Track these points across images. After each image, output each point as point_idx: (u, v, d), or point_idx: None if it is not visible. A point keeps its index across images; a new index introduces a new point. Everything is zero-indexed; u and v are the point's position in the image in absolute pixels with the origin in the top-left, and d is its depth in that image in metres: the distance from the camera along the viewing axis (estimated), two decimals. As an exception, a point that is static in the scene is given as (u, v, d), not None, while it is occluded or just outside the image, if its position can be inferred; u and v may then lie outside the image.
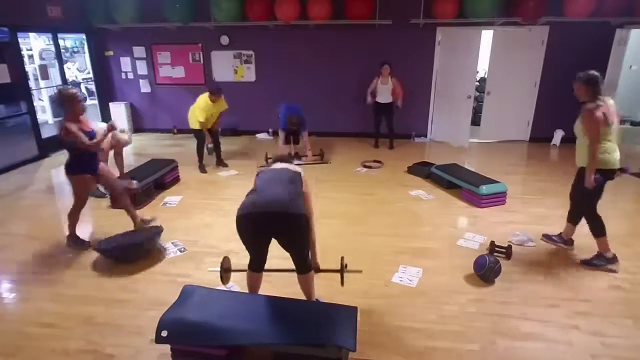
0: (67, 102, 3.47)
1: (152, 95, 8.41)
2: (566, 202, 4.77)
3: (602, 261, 3.37)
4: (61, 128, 3.45)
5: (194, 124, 5.86)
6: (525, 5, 6.47)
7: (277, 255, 3.43)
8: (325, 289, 3.01)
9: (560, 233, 3.78)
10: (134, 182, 4.50)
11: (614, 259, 3.36)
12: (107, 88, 8.48)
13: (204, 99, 5.75)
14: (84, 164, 3.64)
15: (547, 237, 3.83)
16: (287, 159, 2.90)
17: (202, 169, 6.06)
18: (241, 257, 3.57)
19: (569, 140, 7.06)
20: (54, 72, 8.15)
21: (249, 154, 7.01)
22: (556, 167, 5.10)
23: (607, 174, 3.24)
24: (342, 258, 2.94)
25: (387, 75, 6.80)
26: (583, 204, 3.45)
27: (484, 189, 4.60)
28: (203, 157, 6.11)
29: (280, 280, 3.11)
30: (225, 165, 6.24)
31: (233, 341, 2.24)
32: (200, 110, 5.70)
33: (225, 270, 2.99)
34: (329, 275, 3.20)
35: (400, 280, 3.24)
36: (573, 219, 3.65)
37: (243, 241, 2.56)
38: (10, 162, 6.27)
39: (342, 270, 2.87)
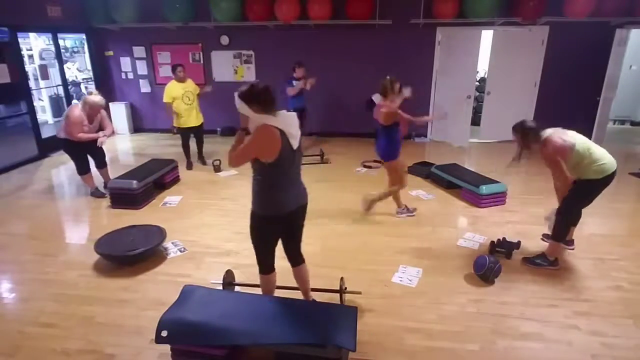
0: (389, 90, 3.98)
1: (152, 95, 8.41)
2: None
3: (544, 261, 3.37)
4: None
5: (177, 122, 5.96)
6: (525, 5, 6.47)
7: (280, 254, 3.43)
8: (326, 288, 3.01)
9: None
10: None
11: (555, 262, 3.37)
12: (107, 88, 8.47)
13: (169, 84, 5.83)
14: (397, 148, 4.13)
15: (547, 237, 3.82)
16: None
17: (190, 166, 6.12)
18: (240, 257, 3.59)
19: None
20: (54, 72, 8.16)
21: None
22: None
23: (606, 179, 3.14)
24: (342, 279, 2.94)
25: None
26: (572, 201, 3.31)
27: (484, 189, 4.60)
28: (189, 154, 6.18)
29: (280, 280, 3.11)
30: (204, 164, 6.28)
31: (233, 341, 2.23)
32: (165, 94, 5.76)
33: (229, 284, 2.99)
34: (328, 275, 3.20)
35: (400, 280, 3.24)
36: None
37: (266, 241, 2.51)
38: (10, 162, 6.27)
39: (341, 291, 2.87)
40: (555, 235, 3.36)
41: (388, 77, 4.04)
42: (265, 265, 2.59)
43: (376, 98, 7.03)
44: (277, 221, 2.43)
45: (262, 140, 2.23)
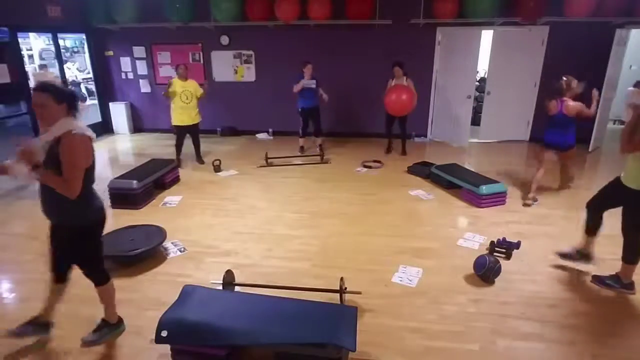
0: (568, 91, 4.46)
1: (152, 95, 8.40)
2: (567, 202, 4.79)
3: (616, 283, 3.08)
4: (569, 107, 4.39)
5: (174, 120, 6.07)
6: (525, 5, 6.47)
7: (280, 254, 3.44)
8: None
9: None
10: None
11: (630, 285, 3.04)
12: (107, 88, 8.48)
13: (172, 79, 6.05)
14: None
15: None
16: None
17: (179, 163, 6.10)
18: (240, 257, 3.59)
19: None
20: (54, 72, 8.15)
21: (249, 154, 7.00)
22: (556, 168, 5.11)
23: None
24: (342, 279, 2.93)
25: (400, 76, 6.42)
26: (633, 232, 2.98)
27: (484, 189, 4.60)
28: (180, 152, 6.23)
29: (279, 279, 3.11)
30: (202, 163, 6.36)
31: (233, 341, 2.24)
32: (168, 84, 5.98)
33: (229, 284, 2.99)
34: (328, 275, 3.21)
35: (400, 280, 3.24)
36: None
37: (99, 240, 2.57)
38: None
39: (341, 291, 2.87)
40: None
41: (565, 79, 4.52)
42: (106, 271, 2.64)
43: None
44: (102, 225, 2.52)
45: (81, 146, 2.21)
